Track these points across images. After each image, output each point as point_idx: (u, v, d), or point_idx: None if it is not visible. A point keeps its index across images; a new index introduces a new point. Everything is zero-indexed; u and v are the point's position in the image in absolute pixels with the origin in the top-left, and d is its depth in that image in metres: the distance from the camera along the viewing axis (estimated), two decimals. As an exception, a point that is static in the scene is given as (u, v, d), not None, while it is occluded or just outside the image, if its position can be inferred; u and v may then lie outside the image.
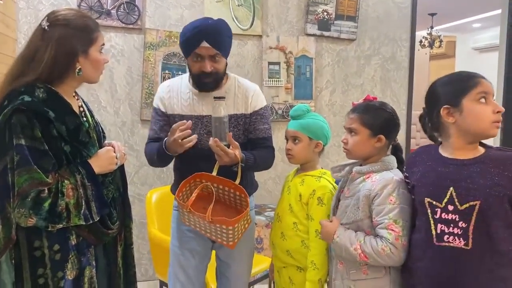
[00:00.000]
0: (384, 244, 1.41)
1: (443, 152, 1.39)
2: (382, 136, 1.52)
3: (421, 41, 7.24)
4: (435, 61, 8.80)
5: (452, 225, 1.31)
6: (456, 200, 1.31)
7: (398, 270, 1.48)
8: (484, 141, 1.38)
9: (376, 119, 1.52)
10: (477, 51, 7.80)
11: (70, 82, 1.44)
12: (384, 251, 1.40)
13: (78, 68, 1.40)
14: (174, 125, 1.61)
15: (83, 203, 1.36)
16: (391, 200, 1.43)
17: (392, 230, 1.41)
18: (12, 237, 1.30)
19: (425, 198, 1.37)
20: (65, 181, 1.34)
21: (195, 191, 1.61)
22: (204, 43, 1.65)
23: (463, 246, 1.29)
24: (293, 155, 1.75)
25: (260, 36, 3.28)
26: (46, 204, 1.30)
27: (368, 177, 1.51)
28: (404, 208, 1.43)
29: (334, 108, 3.51)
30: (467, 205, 1.29)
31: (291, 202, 1.75)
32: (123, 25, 3.00)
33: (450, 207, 1.31)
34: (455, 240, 1.30)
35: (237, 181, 1.63)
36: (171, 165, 1.94)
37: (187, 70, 1.81)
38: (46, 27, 1.38)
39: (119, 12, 2.98)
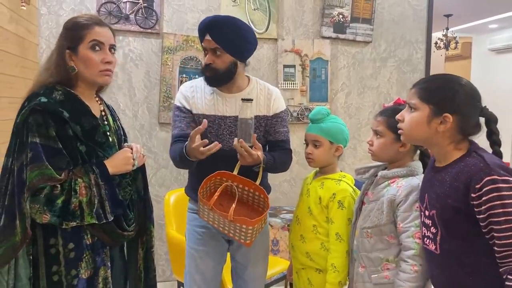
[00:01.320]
0: (411, 264, 1.40)
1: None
2: None
3: (436, 43, 7.19)
4: (451, 62, 8.72)
5: (428, 229, 1.34)
6: (428, 206, 1.34)
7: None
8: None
9: None
10: (493, 52, 7.69)
11: (82, 84, 1.47)
12: (417, 271, 1.40)
13: (70, 65, 1.44)
14: (192, 132, 1.57)
15: (96, 202, 1.39)
16: (417, 207, 1.43)
17: (419, 238, 1.41)
18: (28, 232, 1.33)
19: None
20: (78, 179, 1.37)
21: (218, 189, 1.63)
22: (207, 36, 1.70)
23: (434, 250, 1.32)
24: (313, 159, 1.75)
25: (276, 40, 3.31)
26: (59, 201, 1.33)
27: (393, 182, 1.51)
28: None
29: (349, 110, 3.51)
30: (431, 213, 1.32)
31: (311, 205, 1.75)
32: (141, 29, 3.05)
33: (426, 213, 1.35)
34: (430, 243, 1.34)
35: (258, 182, 1.65)
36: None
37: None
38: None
39: (137, 17, 3.03)
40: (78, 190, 1.36)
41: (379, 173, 1.57)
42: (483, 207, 1.16)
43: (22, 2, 2.36)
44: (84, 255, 1.40)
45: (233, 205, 1.56)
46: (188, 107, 1.82)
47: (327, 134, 1.73)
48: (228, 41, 1.70)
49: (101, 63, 1.44)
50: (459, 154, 1.28)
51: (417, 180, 1.49)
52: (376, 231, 1.51)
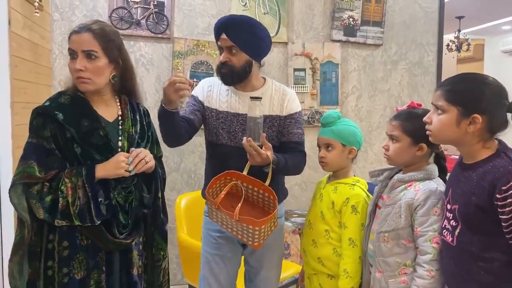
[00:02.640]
0: (427, 270, 1.40)
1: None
2: (423, 145, 1.49)
3: (448, 45, 7.12)
4: (463, 64, 8.64)
5: (448, 222, 1.36)
6: (451, 200, 1.36)
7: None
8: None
9: (418, 127, 1.45)
10: (506, 54, 7.61)
11: None
12: (434, 276, 1.40)
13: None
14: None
15: (79, 204, 1.39)
16: (435, 212, 1.43)
17: (437, 243, 1.41)
18: (28, 225, 1.41)
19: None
20: (66, 179, 1.40)
21: (224, 189, 1.63)
22: (223, 35, 1.72)
23: (450, 242, 1.34)
24: (326, 162, 1.74)
25: (286, 43, 3.31)
26: (48, 199, 1.38)
27: (410, 185, 1.50)
28: None
29: (360, 113, 3.50)
30: (453, 207, 1.34)
31: (323, 209, 1.73)
32: (152, 34, 3.08)
33: (448, 206, 1.37)
34: (448, 235, 1.36)
35: (267, 182, 1.64)
36: (201, 170, 1.98)
37: (215, 75, 1.86)
38: None
39: (148, 22, 3.06)
40: (64, 191, 1.39)
41: (395, 177, 1.56)
42: (507, 209, 1.18)
43: (35, 9, 2.39)
44: (78, 255, 1.42)
45: (239, 205, 1.55)
46: (201, 99, 1.85)
47: (339, 136, 1.72)
48: (243, 40, 1.73)
49: (74, 70, 1.45)
50: (487, 153, 1.29)
51: (435, 184, 1.48)
52: (394, 235, 1.50)
